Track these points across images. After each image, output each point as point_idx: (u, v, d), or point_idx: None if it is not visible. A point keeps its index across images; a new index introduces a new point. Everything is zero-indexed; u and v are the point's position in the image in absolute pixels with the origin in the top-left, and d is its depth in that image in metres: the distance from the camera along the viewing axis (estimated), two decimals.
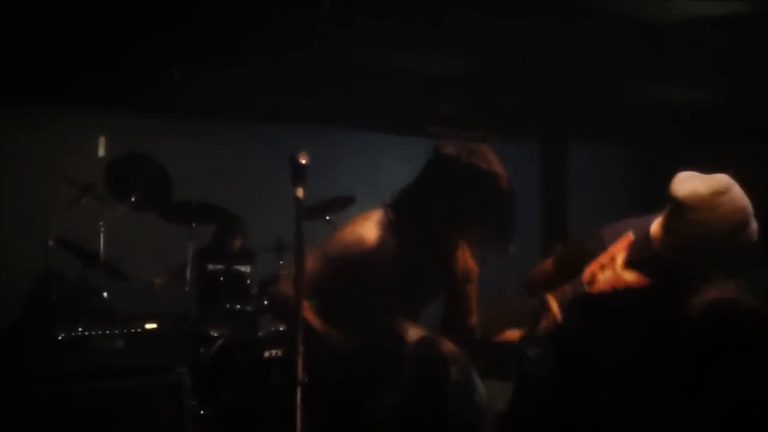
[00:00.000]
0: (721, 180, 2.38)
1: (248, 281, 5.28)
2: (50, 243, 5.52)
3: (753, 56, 5.43)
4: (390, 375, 1.17)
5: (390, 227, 2.82)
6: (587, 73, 5.79)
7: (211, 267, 5.57)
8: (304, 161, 2.44)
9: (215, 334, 5.11)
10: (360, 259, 2.75)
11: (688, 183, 2.38)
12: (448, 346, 1.23)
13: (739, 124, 7.15)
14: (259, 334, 5.07)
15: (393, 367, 1.18)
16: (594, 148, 8.47)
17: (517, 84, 6.21)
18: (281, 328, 5.12)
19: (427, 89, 6.31)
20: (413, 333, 1.22)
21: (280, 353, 4.82)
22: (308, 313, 2.71)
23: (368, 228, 2.84)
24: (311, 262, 2.64)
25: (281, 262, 5.59)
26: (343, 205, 5.80)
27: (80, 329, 4.14)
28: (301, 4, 4.42)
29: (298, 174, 2.41)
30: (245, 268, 5.66)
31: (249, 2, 4.38)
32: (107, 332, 4.23)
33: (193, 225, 5.23)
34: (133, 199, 5.21)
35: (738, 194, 2.37)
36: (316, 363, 1.95)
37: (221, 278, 5.30)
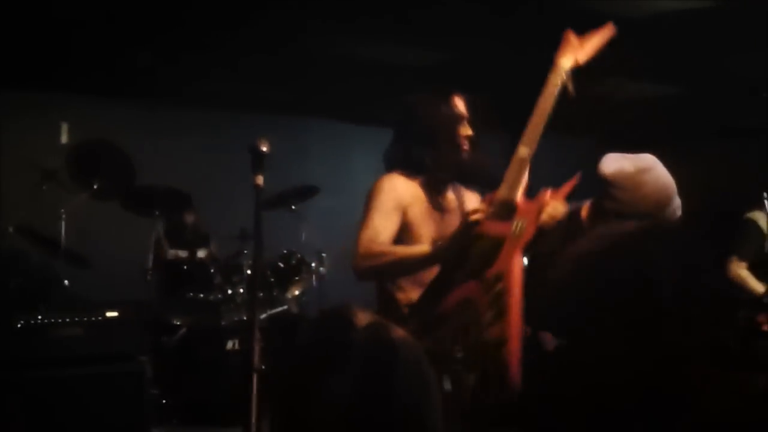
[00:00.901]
0: (646, 159, 2.45)
1: (212, 270, 5.24)
2: (10, 230, 5.45)
3: (712, 52, 5.50)
4: (339, 360, 1.17)
5: None
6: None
7: (172, 253, 5.54)
8: (264, 149, 2.45)
9: (178, 323, 5.08)
10: None
11: (614, 162, 2.43)
12: (398, 332, 1.23)
13: (702, 119, 7.25)
14: (222, 323, 5.07)
15: (342, 352, 1.18)
16: (559, 141, 8.53)
17: (487, 76, 6.23)
18: (244, 318, 5.12)
19: (397, 80, 6.31)
20: (362, 318, 1.22)
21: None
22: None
23: None
24: None
25: (245, 251, 5.57)
26: (308, 194, 5.80)
27: (39, 317, 4.10)
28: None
29: (258, 161, 2.42)
30: (202, 253, 5.64)
31: None
32: (67, 320, 4.19)
33: (156, 213, 5.19)
34: (95, 186, 5.16)
35: (662, 172, 2.44)
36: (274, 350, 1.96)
37: (184, 267, 5.27)
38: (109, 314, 4.31)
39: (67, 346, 4.09)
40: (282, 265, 5.40)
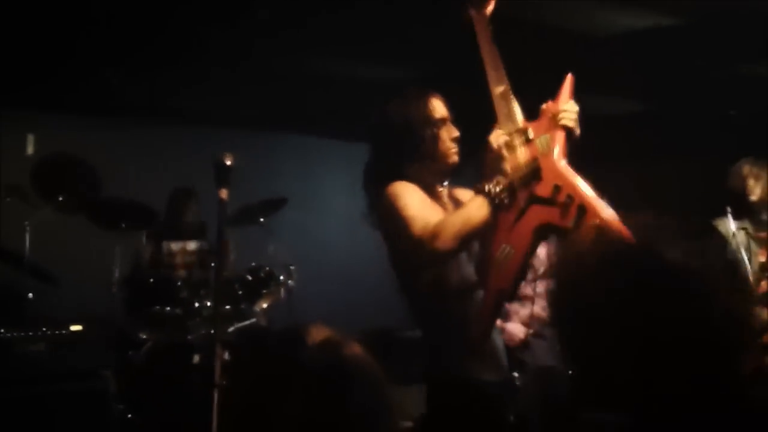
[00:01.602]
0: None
1: (178, 283, 5.19)
2: None
3: (680, 69, 5.58)
4: (292, 379, 1.17)
5: None
6: (521, 83, 5.87)
7: (165, 246, 5.56)
8: (228, 162, 2.44)
9: (144, 337, 5.03)
10: None
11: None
12: (353, 349, 1.23)
13: (667, 136, 7.34)
14: (189, 337, 5.02)
15: (294, 371, 1.18)
16: None
17: (452, 92, 6.26)
18: (211, 332, 5.08)
19: (364, 95, 6.32)
20: (317, 335, 1.22)
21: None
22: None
23: None
24: None
25: (212, 265, 5.53)
26: (276, 207, 5.79)
27: (2, 331, 4.05)
28: (239, 11, 4.39)
29: (222, 175, 2.41)
30: (199, 244, 5.63)
31: (186, 6, 4.34)
32: (30, 335, 4.14)
33: (123, 226, 5.15)
34: (60, 200, 5.11)
35: None
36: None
37: (151, 280, 5.22)
38: (73, 328, 4.27)
39: (30, 362, 4.05)
40: (250, 278, 5.37)
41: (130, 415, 4.72)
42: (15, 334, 4.09)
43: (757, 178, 4.32)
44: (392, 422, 1.24)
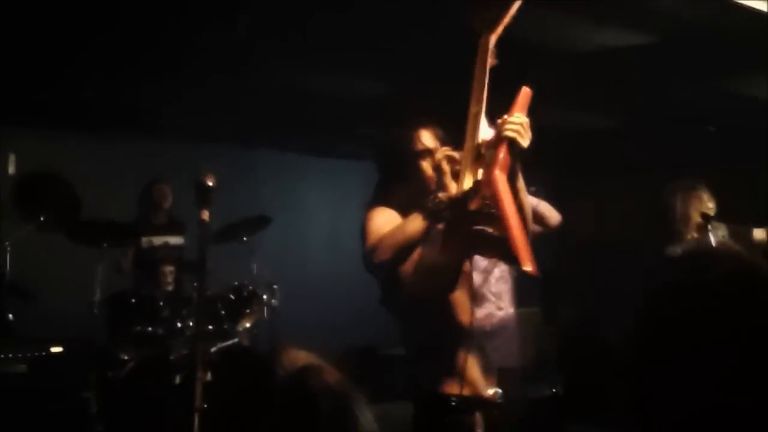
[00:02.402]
0: None
1: (160, 303, 5.15)
2: None
3: (657, 85, 5.63)
4: (267, 406, 1.16)
5: None
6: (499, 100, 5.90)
7: (145, 241, 5.55)
8: (210, 183, 2.43)
9: (125, 358, 4.99)
10: None
11: None
12: (328, 377, 1.21)
13: (646, 151, 7.39)
14: (171, 357, 4.98)
15: (269, 397, 1.17)
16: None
17: (434, 108, 6.28)
18: (193, 351, 5.05)
19: (347, 112, 6.33)
20: (294, 361, 1.21)
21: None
22: None
23: None
24: None
25: (194, 284, 5.50)
26: (259, 225, 5.78)
27: None
28: (218, 26, 4.39)
29: (204, 197, 2.40)
30: (176, 240, 5.63)
31: (168, 20, 4.33)
32: (10, 356, 4.11)
33: (104, 245, 5.11)
34: (41, 219, 5.08)
35: None
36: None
37: (132, 300, 5.18)
38: (53, 350, 4.24)
39: (9, 382, 4.01)
40: (233, 298, 5.34)
41: None
42: None
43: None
44: None
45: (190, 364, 4.90)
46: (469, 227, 2.50)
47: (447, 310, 2.69)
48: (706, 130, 6.46)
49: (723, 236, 4.24)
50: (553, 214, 3.95)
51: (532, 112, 2.53)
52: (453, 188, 2.52)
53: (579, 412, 5.54)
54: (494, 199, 2.38)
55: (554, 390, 5.57)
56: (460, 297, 2.71)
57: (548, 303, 6.59)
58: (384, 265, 2.59)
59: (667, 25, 4.51)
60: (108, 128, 6.42)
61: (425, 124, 2.90)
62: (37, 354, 4.17)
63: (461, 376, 2.60)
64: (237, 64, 5.13)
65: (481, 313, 3.61)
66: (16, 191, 5.17)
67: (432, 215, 2.51)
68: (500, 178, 2.39)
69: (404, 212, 2.72)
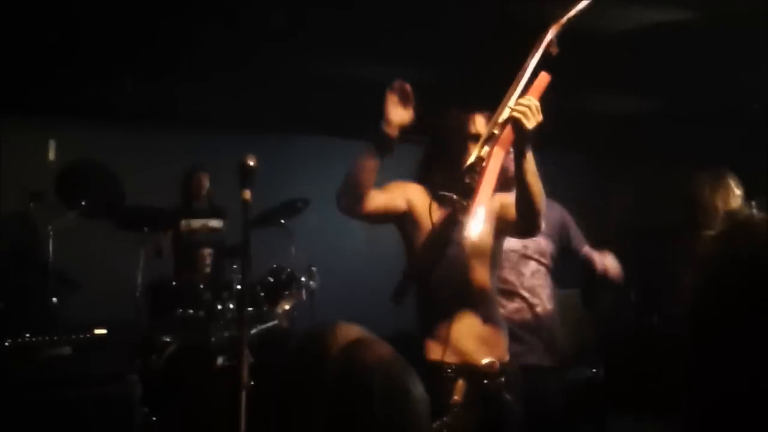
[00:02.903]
0: None
1: (201, 286, 5.21)
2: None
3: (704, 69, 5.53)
4: (316, 383, 1.17)
5: None
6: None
7: (184, 224, 5.63)
8: (251, 163, 2.47)
9: (167, 341, 5.06)
10: None
11: None
12: (377, 351, 1.22)
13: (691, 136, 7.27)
14: (212, 340, 5.04)
15: (318, 374, 1.18)
16: (553, 155, 8.56)
17: (468, 92, 6.26)
18: (234, 334, 5.11)
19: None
20: (342, 338, 1.22)
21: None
22: None
23: None
24: None
25: (234, 267, 5.55)
26: (297, 209, 5.81)
27: (27, 336, 4.08)
28: (255, 15, 4.41)
29: (246, 177, 2.43)
30: (216, 223, 5.69)
31: (203, 11, 4.36)
32: (56, 339, 4.17)
33: (145, 230, 5.18)
34: (83, 205, 5.16)
35: None
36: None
37: (173, 284, 5.25)
38: (97, 332, 4.29)
39: (55, 366, 4.07)
40: (272, 281, 5.39)
41: (154, 418, 4.74)
42: (40, 338, 4.11)
43: None
44: (418, 417, 1.24)
45: (232, 346, 4.98)
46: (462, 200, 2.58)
47: (446, 281, 2.77)
48: (752, 108, 6.34)
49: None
50: (616, 269, 3.92)
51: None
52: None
53: (619, 394, 5.52)
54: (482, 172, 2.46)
55: (594, 371, 5.55)
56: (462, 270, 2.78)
57: (588, 286, 6.54)
58: (342, 200, 2.80)
59: (714, 8, 4.44)
60: (147, 115, 6.49)
61: (480, 109, 2.91)
62: (81, 336, 4.22)
63: (455, 347, 2.72)
64: (273, 51, 5.15)
65: (511, 306, 3.59)
66: (60, 178, 5.25)
67: (377, 142, 2.69)
68: (496, 153, 2.47)
69: (441, 193, 2.75)
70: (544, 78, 2.56)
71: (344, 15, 4.50)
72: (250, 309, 5.23)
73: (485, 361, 2.76)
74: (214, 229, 5.71)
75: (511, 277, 3.60)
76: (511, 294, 3.60)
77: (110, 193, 5.24)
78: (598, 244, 3.97)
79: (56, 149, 6.48)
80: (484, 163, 2.49)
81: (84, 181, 5.21)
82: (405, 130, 2.79)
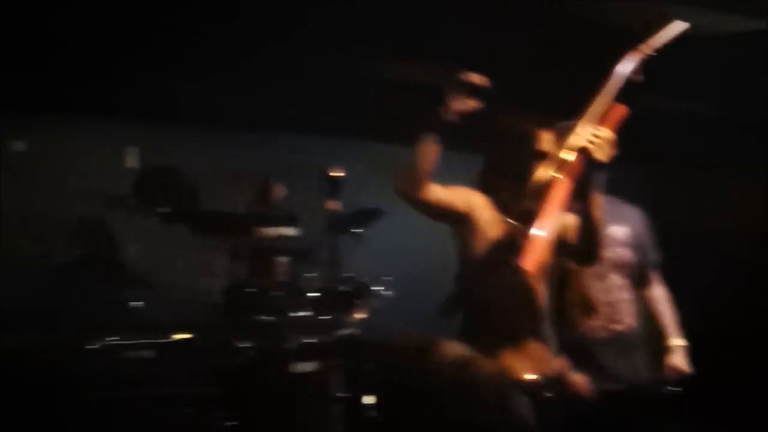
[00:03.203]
0: None
1: (276, 292, 5.24)
2: (79, 252, 5.58)
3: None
4: (427, 396, 1.16)
5: None
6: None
7: (260, 232, 5.65)
8: (338, 175, 2.49)
9: (241, 346, 5.11)
10: None
11: None
12: (487, 367, 1.21)
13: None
14: (286, 346, 5.07)
15: (430, 387, 1.17)
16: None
17: (541, 96, 6.21)
18: (308, 340, 5.14)
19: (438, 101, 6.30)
20: (448, 354, 1.21)
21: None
22: None
23: None
24: None
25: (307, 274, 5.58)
26: (372, 218, 5.81)
27: (110, 339, 4.17)
28: (333, 23, 4.43)
29: (333, 188, 2.46)
30: (291, 231, 5.73)
31: (282, 18, 4.39)
32: (137, 342, 4.26)
33: (221, 236, 5.25)
34: (162, 210, 5.25)
35: None
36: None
37: (248, 290, 5.29)
38: (177, 336, 4.37)
39: (137, 369, 4.16)
40: (344, 289, 5.39)
41: (227, 423, 4.79)
42: (123, 341, 4.20)
43: None
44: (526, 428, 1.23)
45: (309, 351, 5.00)
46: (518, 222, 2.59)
47: (496, 297, 2.71)
48: None
49: None
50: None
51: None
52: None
53: (692, 408, 5.39)
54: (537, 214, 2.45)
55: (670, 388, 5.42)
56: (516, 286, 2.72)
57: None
58: (400, 181, 2.81)
59: None
60: (224, 123, 6.56)
61: (549, 126, 2.87)
62: (163, 340, 4.31)
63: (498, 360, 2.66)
64: (348, 58, 5.16)
65: (592, 324, 3.46)
66: (138, 183, 5.36)
67: (436, 128, 2.68)
68: (560, 182, 2.45)
69: (503, 209, 2.72)
70: (621, 110, 2.54)
71: (421, 21, 4.48)
72: (323, 317, 5.25)
73: (529, 376, 2.73)
74: (288, 237, 5.75)
75: (593, 291, 3.48)
76: (592, 310, 3.48)
77: (187, 198, 5.32)
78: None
79: (133, 155, 6.60)
80: (548, 191, 2.47)
81: (162, 187, 5.31)
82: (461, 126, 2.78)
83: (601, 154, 2.42)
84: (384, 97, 6.17)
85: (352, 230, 5.77)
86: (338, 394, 1.90)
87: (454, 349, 1.23)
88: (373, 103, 6.39)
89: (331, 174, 2.46)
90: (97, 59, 5.12)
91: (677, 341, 3.68)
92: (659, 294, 3.71)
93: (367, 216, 5.78)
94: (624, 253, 3.51)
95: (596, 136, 2.44)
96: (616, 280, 3.53)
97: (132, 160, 6.57)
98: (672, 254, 4.37)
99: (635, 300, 3.61)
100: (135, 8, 4.28)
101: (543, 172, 2.56)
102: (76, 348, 4.13)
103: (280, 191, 5.83)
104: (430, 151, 2.76)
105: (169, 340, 4.39)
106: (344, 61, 5.24)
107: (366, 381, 3.45)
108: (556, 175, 2.46)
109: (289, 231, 5.84)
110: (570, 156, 2.47)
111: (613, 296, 3.51)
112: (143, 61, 5.19)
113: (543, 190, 2.49)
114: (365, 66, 5.42)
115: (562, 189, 2.42)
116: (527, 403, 1.20)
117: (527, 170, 2.79)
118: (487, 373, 1.19)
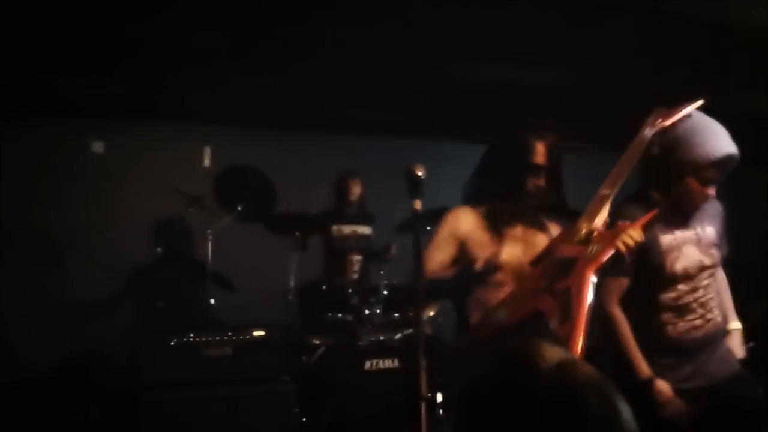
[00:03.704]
0: None
1: (349, 290, 5.28)
2: (158, 251, 5.71)
3: None
4: (523, 406, 1.15)
5: None
6: (681, 82, 5.66)
7: (335, 229, 5.76)
8: (419, 173, 2.50)
9: (317, 343, 5.16)
10: None
11: None
12: (587, 370, 1.20)
13: None
14: (359, 343, 5.10)
15: (526, 397, 1.16)
16: None
17: (613, 95, 6.12)
18: (381, 338, 5.16)
19: (527, 101, 6.25)
20: (549, 357, 1.20)
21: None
22: None
23: None
24: None
25: (381, 272, 5.60)
26: (441, 215, 5.79)
27: (191, 336, 4.25)
28: (400, 21, 4.42)
29: (415, 186, 2.47)
30: (365, 230, 5.79)
31: (350, 19, 4.39)
32: (216, 339, 4.32)
33: (297, 234, 5.31)
34: (239, 209, 5.34)
35: None
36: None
37: (323, 287, 5.34)
38: (255, 334, 4.43)
39: (217, 366, 4.23)
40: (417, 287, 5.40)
41: (304, 419, 4.85)
42: (203, 338, 4.27)
43: None
44: None
45: (382, 349, 5.04)
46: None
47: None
48: None
49: None
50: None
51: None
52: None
53: None
54: (576, 292, 2.51)
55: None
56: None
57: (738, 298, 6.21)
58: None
59: None
60: (301, 122, 6.62)
61: (544, 137, 2.95)
62: (241, 337, 4.37)
63: None
64: (416, 57, 5.15)
65: (683, 326, 3.30)
66: (217, 183, 5.45)
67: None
68: (589, 276, 2.53)
69: (491, 212, 2.90)
70: (651, 214, 2.68)
71: (489, 19, 4.43)
72: (395, 314, 5.27)
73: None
74: (363, 236, 5.80)
75: (685, 290, 3.34)
76: (684, 310, 3.31)
77: (264, 197, 5.40)
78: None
79: (211, 154, 6.72)
80: (576, 281, 2.53)
81: (240, 186, 5.39)
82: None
83: (627, 256, 2.54)
84: (463, 98, 6.15)
85: (428, 228, 5.79)
86: (413, 393, 1.90)
87: (557, 352, 1.22)
88: (453, 104, 6.37)
89: (412, 172, 2.46)
90: (175, 63, 5.21)
91: (735, 325, 3.61)
92: (720, 279, 3.62)
93: (437, 214, 5.77)
94: (714, 253, 3.36)
95: (631, 238, 2.52)
96: (705, 278, 3.40)
97: (209, 160, 6.69)
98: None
99: (718, 295, 3.50)
100: (214, 10, 4.34)
101: (570, 248, 2.59)
102: (157, 344, 4.20)
103: (356, 186, 5.87)
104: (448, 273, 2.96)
105: (251, 336, 4.45)
106: (422, 61, 5.23)
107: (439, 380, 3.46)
108: (579, 270, 2.53)
109: (365, 230, 5.88)
110: (599, 247, 2.55)
111: (705, 294, 3.38)
112: (220, 62, 5.26)
113: (568, 266, 2.57)
114: (443, 67, 5.40)
115: (586, 286, 2.49)
116: (629, 412, 1.19)
117: (519, 184, 2.89)
118: (592, 377, 1.18)
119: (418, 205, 2.40)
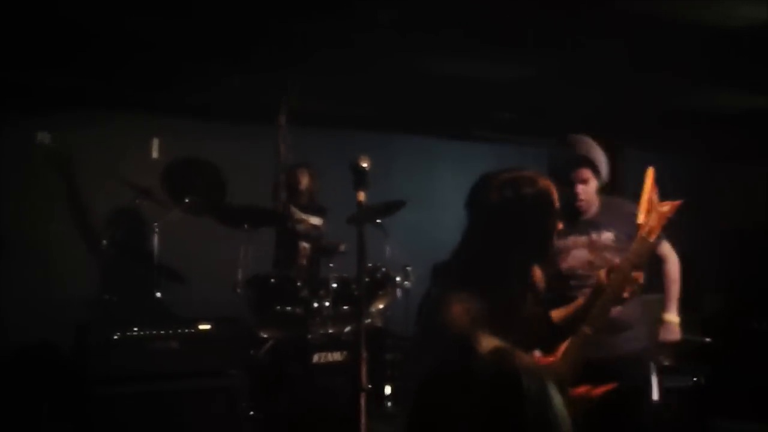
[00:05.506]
0: None
1: (298, 283, 5.26)
2: (104, 243, 5.64)
3: None
4: (464, 388, 1.17)
5: None
6: (646, 80, 5.75)
7: (292, 210, 5.76)
8: (364, 165, 2.48)
9: (265, 337, 5.14)
10: None
11: None
12: (523, 358, 1.22)
13: None
14: (309, 337, 5.10)
15: (466, 379, 1.18)
16: (649, 155, 8.35)
17: (574, 90, 6.18)
18: (330, 331, 5.16)
19: (481, 95, 6.29)
20: (486, 344, 1.22)
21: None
22: None
23: None
24: None
25: (330, 265, 5.58)
26: (394, 209, 5.81)
27: (136, 330, 4.20)
28: (359, 14, 4.41)
29: (360, 178, 2.45)
30: (316, 220, 5.77)
31: (307, 11, 4.38)
32: (162, 332, 4.29)
33: (246, 227, 5.27)
34: (188, 202, 5.29)
35: None
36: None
37: (272, 280, 5.31)
38: (202, 327, 4.40)
39: (162, 360, 4.20)
40: (367, 279, 5.41)
41: (252, 413, 4.83)
42: (148, 332, 4.23)
43: None
44: (560, 422, 1.23)
45: (331, 342, 5.04)
46: None
47: None
48: None
49: None
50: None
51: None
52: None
53: (723, 403, 5.36)
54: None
55: (695, 379, 5.39)
56: None
57: (692, 289, 6.35)
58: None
59: None
60: (251, 115, 6.57)
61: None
62: (187, 331, 4.34)
63: None
64: (378, 51, 5.15)
65: None
66: (165, 175, 5.40)
67: None
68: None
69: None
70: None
71: (451, 14, 4.45)
72: (345, 307, 5.27)
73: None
74: (314, 226, 5.78)
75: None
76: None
77: (213, 189, 5.36)
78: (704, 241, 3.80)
79: (160, 146, 6.63)
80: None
81: (188, 178, 5.35)
82: None
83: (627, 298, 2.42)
84: (412, 90, 6.16)
85: (376, 221, 5.80)
86: (360, 385, 1.89)
87: (491, 340, 1.23)
88: (401, 96, 6.38)
89: (357, 164, 2.45)
90: (126, 56, 5.15)
91: (670, 317, 3.70)
92: (669, 271, 3.72)
93: (389, 207, 5.79)
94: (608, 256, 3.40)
95: (636, 281, 2.42)
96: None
97: (158, 152, 6.61)
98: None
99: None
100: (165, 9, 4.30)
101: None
102: (103, 338, 4.16)
103: (304, 178, 5.85)
104: None
105: (197, 330, 4.42)
106: (379, 54, 5.23)
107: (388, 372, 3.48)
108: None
109: (316, 221, 5.87)
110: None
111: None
112: (171, 54, 5.21)
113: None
114: (391, 59, 5.41)
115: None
116: (560, 399, 1.21)
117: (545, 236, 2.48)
118: (526, 364, 1.19)
119: (361, 196, 2.39)
